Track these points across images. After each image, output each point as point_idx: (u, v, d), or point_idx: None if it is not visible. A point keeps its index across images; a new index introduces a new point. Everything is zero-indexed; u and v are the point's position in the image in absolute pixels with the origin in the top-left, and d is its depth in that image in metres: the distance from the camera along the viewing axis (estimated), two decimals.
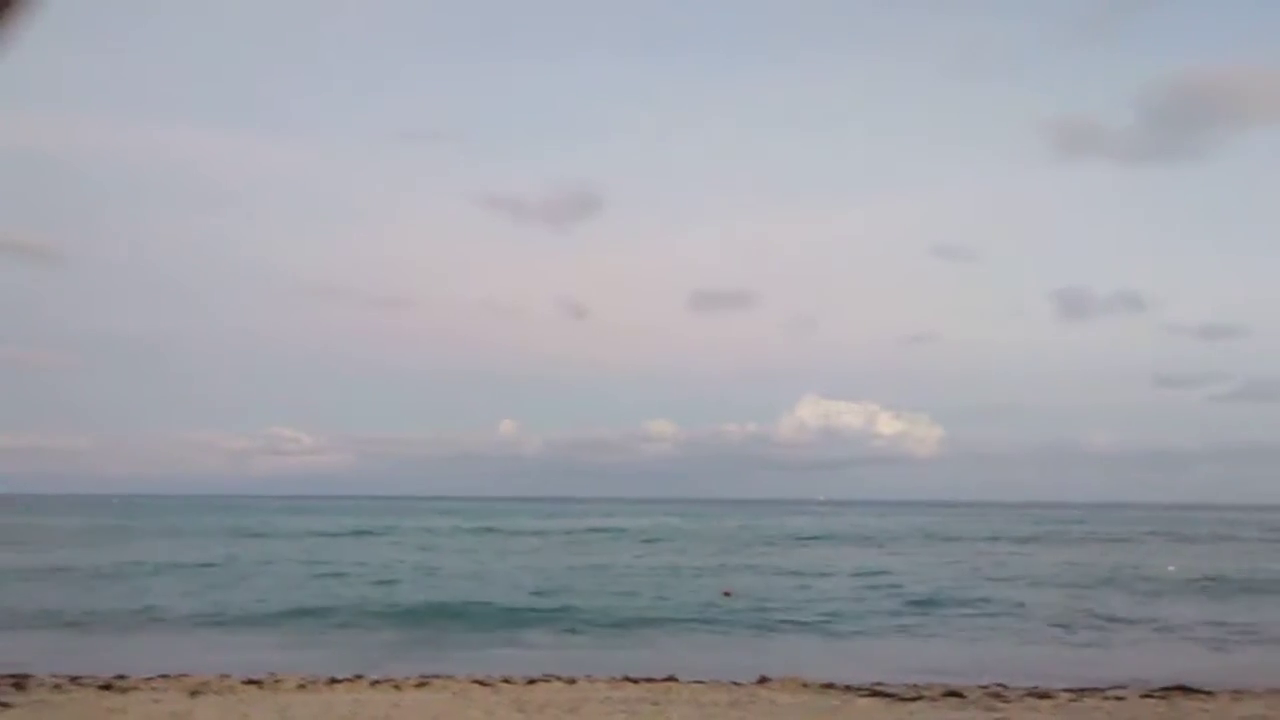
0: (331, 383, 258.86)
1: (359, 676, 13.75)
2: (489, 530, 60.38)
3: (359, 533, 56.70)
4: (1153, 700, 12.76)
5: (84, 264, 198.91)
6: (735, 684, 13.71)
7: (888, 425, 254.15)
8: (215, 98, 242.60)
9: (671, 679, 13.90)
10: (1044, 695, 13.00)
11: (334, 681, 13.27)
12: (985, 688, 13.47)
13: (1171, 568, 37.13)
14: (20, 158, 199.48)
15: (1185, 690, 13.33)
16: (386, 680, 13.41)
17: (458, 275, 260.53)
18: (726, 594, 25.90)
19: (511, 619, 21.52)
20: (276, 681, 13.10)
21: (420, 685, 13.10)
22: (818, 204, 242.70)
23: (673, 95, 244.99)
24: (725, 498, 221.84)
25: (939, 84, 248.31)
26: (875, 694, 12.96)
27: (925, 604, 24.82)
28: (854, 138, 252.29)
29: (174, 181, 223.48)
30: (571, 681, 13.59)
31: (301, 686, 12.82)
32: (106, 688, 12.49)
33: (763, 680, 13.94)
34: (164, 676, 13.43)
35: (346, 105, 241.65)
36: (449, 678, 13.78)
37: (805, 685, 13.67)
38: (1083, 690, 13.41)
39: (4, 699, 11.49)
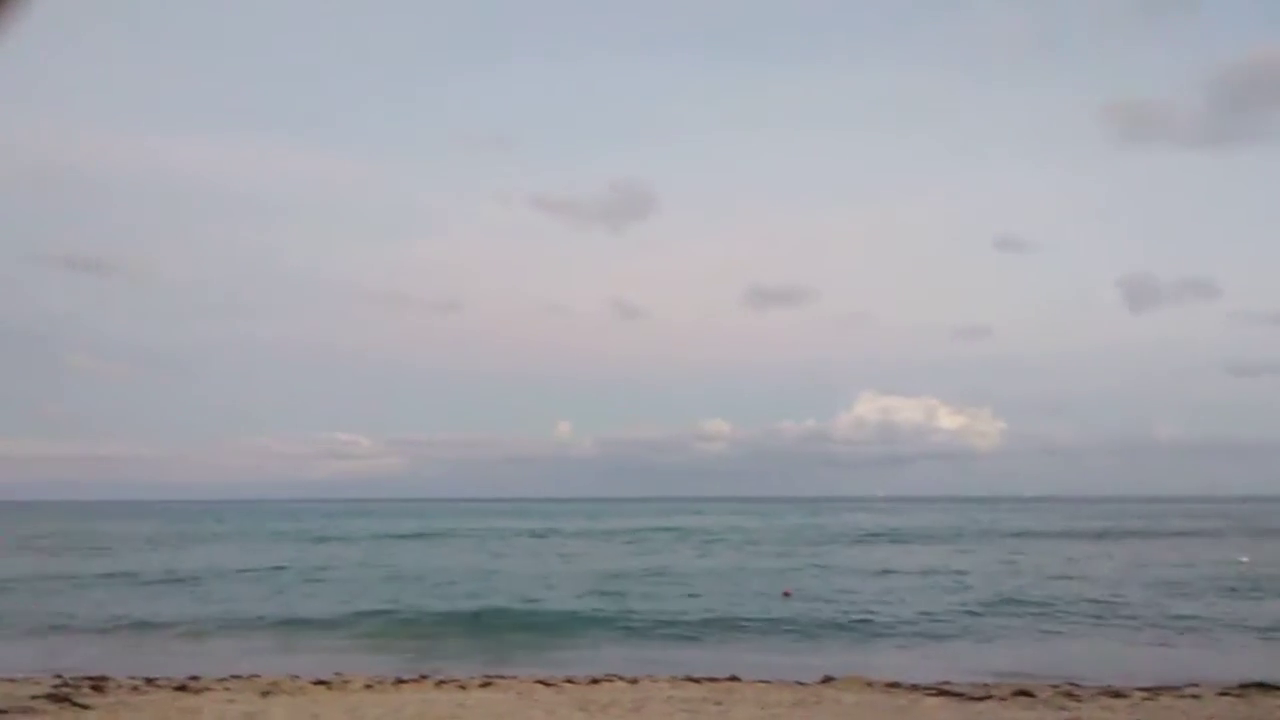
0: (390, 387, 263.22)
1: (424, 677, 13.92)
2: (547, 531, 60.72)
3: (420, 536, 57.42)
4: (1230, 698, 12.37)
5: (150, 278, 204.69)
6: (799, 684, 13.60)
7: (948, 420, 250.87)
8: (275, 112, 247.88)
9: (734, 678, 13.83)
10: (1117, 694, 12.68)
11: (400, 682, 13.45)
12: (1056, 686, 13.19)
13: (1245, 559, 36.04)
14: (87, 178, 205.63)
15: (1263, 687, 12.92)
16: (451, 680, 13.56)
17: (513, 278, 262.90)
18: (787, 594, 25.69)
19: (573, 620, 21.60)
20: (345, 682, 13.31)
21: (484, 685, 13.21)
22: (874, 198, 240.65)
23: (727, 95, 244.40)
24: (782, 496, 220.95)
25: (1001, 73, 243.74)
26: (942, 693, 12.76)
27: (993, 602, 24.37)
28: (911, 131, 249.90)
29: (235, 195, 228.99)
30: (634, 681, 13.60)
31: (369, 687, 13.00)
32: (181, 689, 12.80)
33: (827, 680, 13.81)
34: (236, 677, 13.74)
35: (404, 115, 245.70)
36: (512, 678, 13.88)
37: (870, 684, 13.50)
38: (1158, 689, 13.05)
39: (84, 700, 11.83)
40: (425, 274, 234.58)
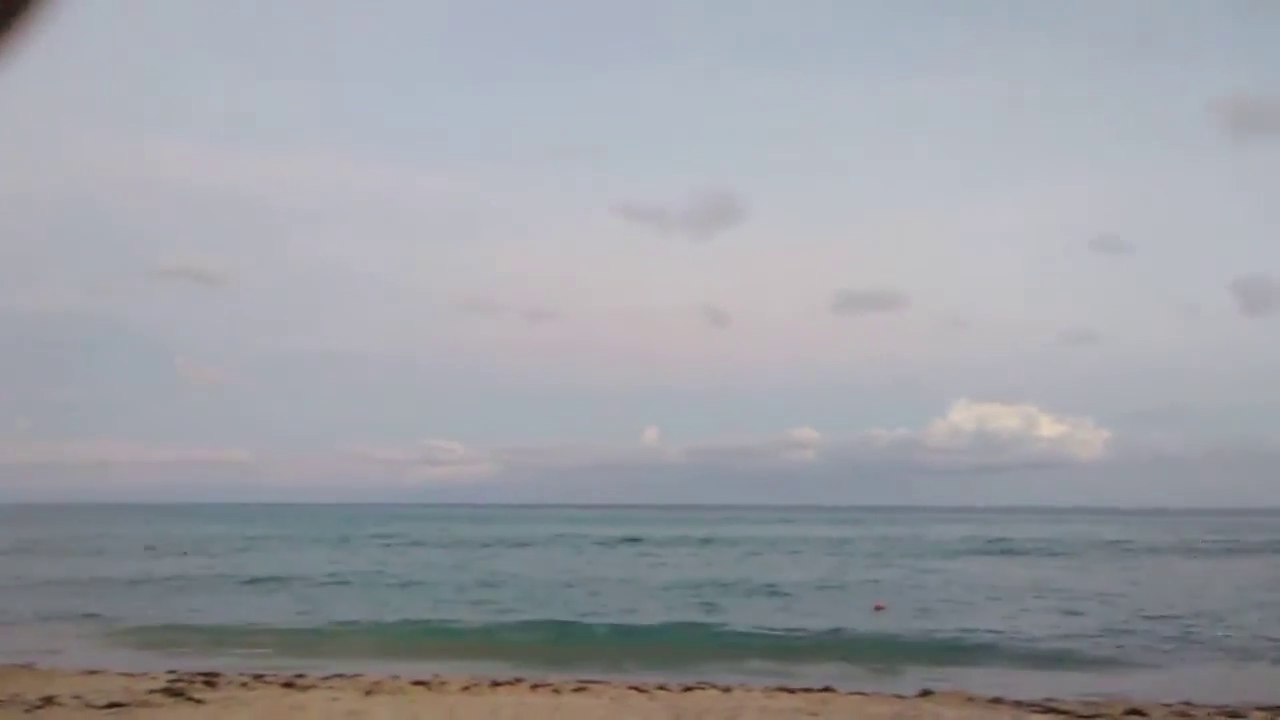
0: (482, 395, 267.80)
1: (519, 680, 14.09)
2: (638, 539, 60.83)
3: (513, 543, 58.11)
4: None
5: (251, 286, 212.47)
6: (897, 696, 13.34)
7: (1049, 428, 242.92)
8: (370, 128, 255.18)
9: (829, 689, 13.64)
10: (1235, 715, 12.10)
11: (496, 685, 13.64)
12: (1169, 706, 12.64)
13: None
14: (192, 191, 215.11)
15: None
16: (546, 684, 13.68)
17: (601, 286, 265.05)
18: (879, 608, 25.14)
19: (666, 627, 21.61)
20: (442, 684, 13.56)
21: (578, 690, 13.30)
22: (967, 199, 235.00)
23: (812, 98, 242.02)
24: (873, 505, 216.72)
25: (1101, 67, 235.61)
26: (1049, 710, 12.34)
27: (1101, 618, 23.47)
28: (1006, 129, 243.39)
29: (333, 207, 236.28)
30: (727, 690, 13.52)
31: (466, 689, 13.22)
32: (288, 686, 13.22)
33: (925, 694, 13.50)
34: (339, 676, 14.13)
35: (494, 126, 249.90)
36: (606, 684, 13.95)
37: (971, 700, 13.15)
38: (1278, 709, 12.39)
39: (197, 695, 12.32)
40: (517, 283, 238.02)
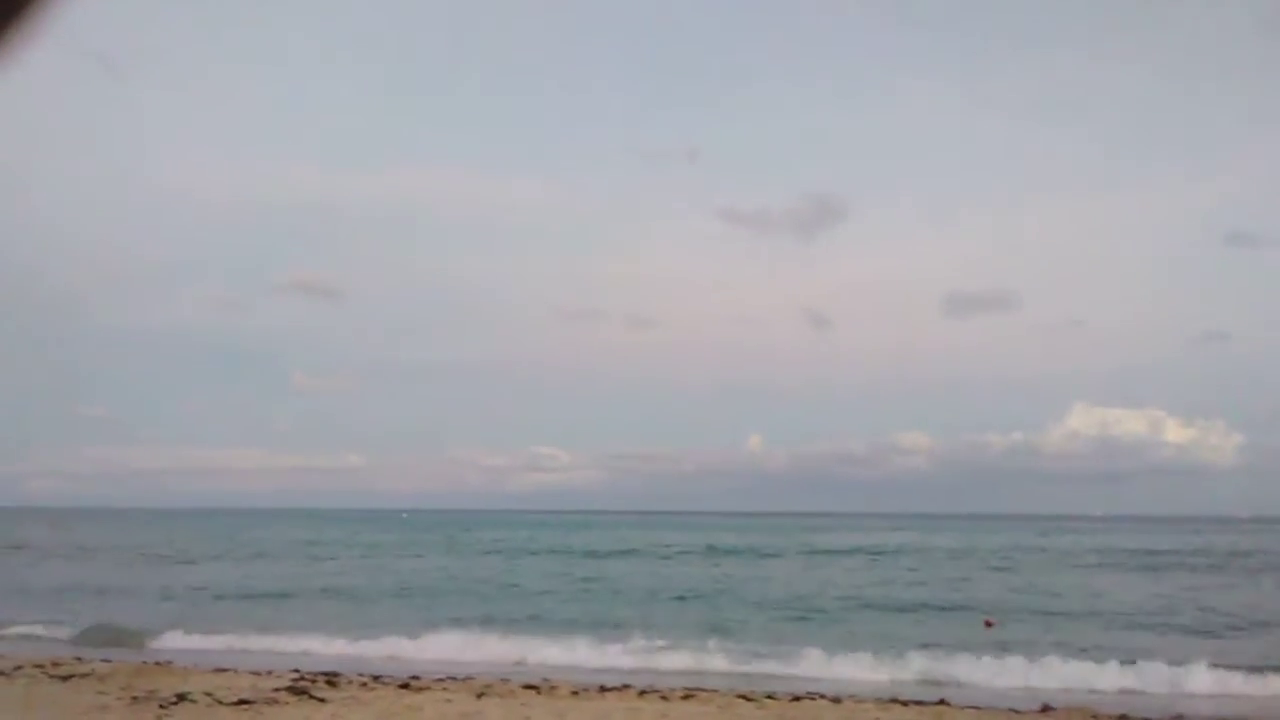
0: (586, 402, 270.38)
1: (627, 686, 14.16)
2: (745, 548, 60.36)
3: (622, 551, 58.28)
4: None
5: (363, 299, 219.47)
6: (1014, 711, 12.91)
7: (1175, 433, 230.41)
8: (473, 139, 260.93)
9: (943, 703, 13.30)
10: None
11: (604, 689, 13.74)
12: None
13: None
14: (306, 208, 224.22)
15: None
16: (653, 690, 13.72)
17: (703, 291, 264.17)
18: (989, 625, 24.21)
19: (772, 634, 21.42)
20: (552, 688, 13.74)
21: (686, 697, 13.29)
22: (1085, 192, 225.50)
23: (917, 93, 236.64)
24: (986, 512, 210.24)
25: (1234, 51, 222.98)
26: None
27: (1241, 629, 22.19)
28: (1128, 116, 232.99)
29: (438, 220, 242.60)
30: (837, 701, 13.32)
31: (575, 693, 13.37)
32: (404, 687, 13.61)
33: (1046, 709, 13.03)
34: (452, 679, 14.47)
35: (593, 134, 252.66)
36: (714, 691, 13.90)
37: (1096, 717, 12.64)
38: None
39: (319, 694, 12.79)
40: (619, 290, 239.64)
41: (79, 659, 16.05)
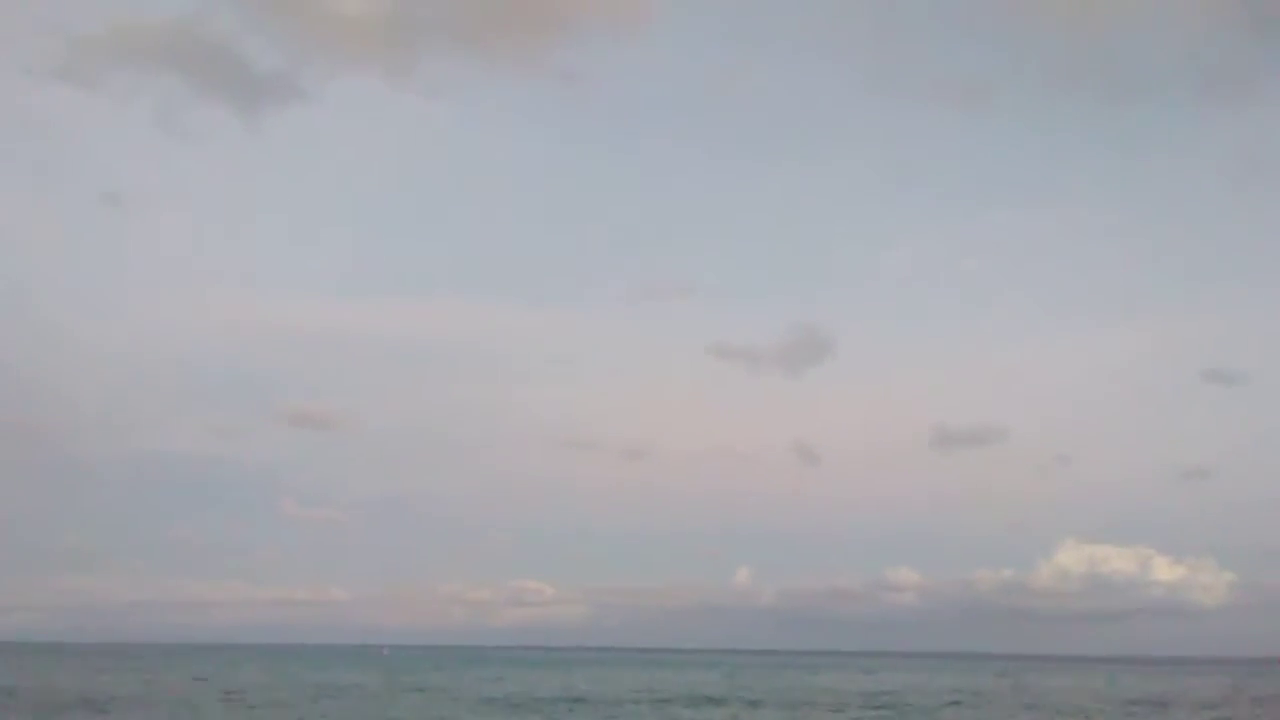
0: (575, 534, 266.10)
1: None
2: (719, 702, 53.99)
3: (569, 699, 50.15)
4: None
5: (358, 428, 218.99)
6: None
7: (1165, 571, 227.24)
8: (473, 273, 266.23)
9: None
10: None
11: None
12: None
13: None
14: (305, 338, 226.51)
15: None
16: None
17: (694, 424, 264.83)
18: None
19: None
20: None
21: None
22: (1068, 332, 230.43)
23: (906, 232, 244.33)
24: (978, 652, 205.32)
25: (1212, 196, 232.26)
26: None
27: None
28: (1108, 262, 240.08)
29: (435, 350, 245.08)
30: None
31: None
32: None
33: None
34: None
35: (592, 270, 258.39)
36: None
37: None
38: None
39: None
40: (611, 421, 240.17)
41: None
